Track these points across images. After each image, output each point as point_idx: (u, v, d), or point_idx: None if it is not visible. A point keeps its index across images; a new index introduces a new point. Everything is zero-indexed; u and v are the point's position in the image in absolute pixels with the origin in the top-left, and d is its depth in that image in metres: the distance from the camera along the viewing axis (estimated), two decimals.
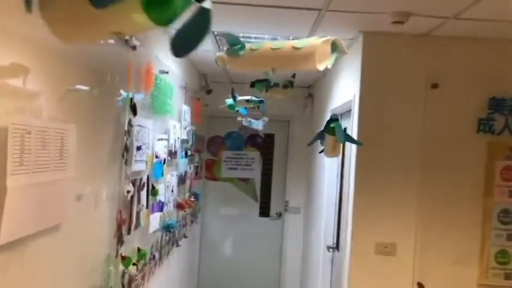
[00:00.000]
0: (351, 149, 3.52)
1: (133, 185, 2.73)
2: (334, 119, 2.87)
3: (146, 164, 2.94)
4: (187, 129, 4.45)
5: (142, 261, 2.96)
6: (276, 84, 3.02)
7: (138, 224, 2.87)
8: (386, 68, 3.34)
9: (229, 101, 3.86)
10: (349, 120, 3.64)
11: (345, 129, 3.75)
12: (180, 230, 4.44)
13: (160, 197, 3.41)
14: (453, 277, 3.29)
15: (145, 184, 3.00)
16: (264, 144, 6.44)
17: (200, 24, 1.07)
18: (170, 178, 3.77)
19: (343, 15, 2.97)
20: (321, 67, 1.81)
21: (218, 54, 2.30)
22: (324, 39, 1.86)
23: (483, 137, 3.29)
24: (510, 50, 3.28)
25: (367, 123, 3.32)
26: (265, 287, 6.43)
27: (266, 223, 6.47)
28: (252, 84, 3.04)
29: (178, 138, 4.00)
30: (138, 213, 2.86)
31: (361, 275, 3.33)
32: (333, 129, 2.82)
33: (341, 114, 4.23)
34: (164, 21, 1.03)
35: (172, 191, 3.88)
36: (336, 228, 4.31)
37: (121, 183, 2.57)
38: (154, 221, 3.30)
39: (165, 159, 3.47)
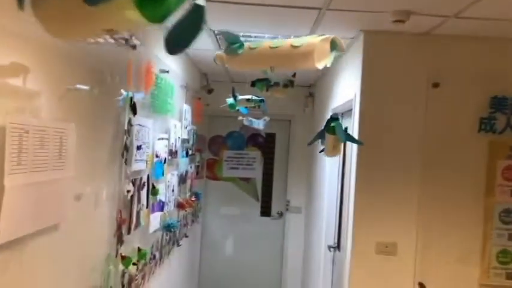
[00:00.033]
0: (352, 149, 3.51)
1: (134, 184, 2.73)
2: (334, 118, 2.86)
3: (146, 163, 2.94)
4: (188, 128, 4.44)
5: (142, 261, 2.95)
6: (277, 84, 3.01)
7: (138, 224, 2.86)
8: (387, 67, 3.33)
9: (230, 100, 3.85)
10: (350, 119, 3.63)
11: (346, 128, 3.74)
12: (181, 229, 4.44)
13: (161, 197, 3.40)
14: (454, 277, 3.28)
15: (146, 184, 3.00)
16: (265, 143, 6.43)
17: (194, 21, 1.06)
18: (171, 178, 3.77)
19: (343, 14, 2.96)
20: (320, 66, 1.80)
21: (217, 52, 2.29)
22: (322, 37, 1.85)
23: (484, 136, 3.28)
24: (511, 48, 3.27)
25: (367, 122, 3.31)
26: (267, 286, 6.43)
27: (267, 223, 6.46)
28: (253, 84, 3.03)
29: (179, 137, 3.99)
30: (138, 213, 2.85)
31: (362, 274, 3.32)
32: (333, 128, 2.81)
33: (342, 114, 4.22)
34: (157, 18, 1.02)
35: (173, 190, 3.87)
36: (336, 228, 4.30)
37: (121, 182, 2.57)
38: (155, 220, 3.30)
39: (165, 159, 3.47)
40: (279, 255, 6.44)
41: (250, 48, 2.08)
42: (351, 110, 3.60)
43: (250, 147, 6.41)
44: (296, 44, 1.86)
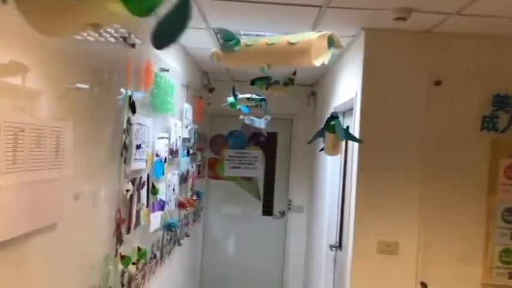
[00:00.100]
0: (353, 148, 3.49)
1: (133, 183, 2.71)
2: (334, 116, 2.83)
3: (146, 162, 2.92)
4: (189, 127, 4.43)
5: (142, 261, 2.94)
6: (277, 82, 2.99)
7: (138, 223, 2.85)
8: (389, 65, 3.30)
9: (231, 99, 3.84)
10: (352, 118, 3.61)
11: (347, 127, 3.73)
12: (182, 229, 4.43)
13: (161, 196, 3.39)
14: (456, 276, 3.26)
15: (146, 183, 2.99)
16: (267, 142, 6.42)
17: (180, 16, 1.04)
18: (171, 177, 3.75)
19: (344, 12, 2.94)
20: (317, 63, 1.78)
21: (213, 50, 2.27)
22: (319, 33, 1.83)
23: (487, 135, 3.25)
24: None
25: (369, 121, 3.29)
26: (269, 285, 6.41)
27: (269, 222, 6.45)
28: (252, 82, 3.01)
29: (179, 136, 3.98)
30: (138, 212, 2.84)
31: (363, 274, 3.30)
32: (333, 127, 2.79)
33: (344, 112, 4.20)
34: (143, 12, 1.00)
35: (173, 189, 3.86)
36: (338, 227, 4.28)
37: (120, 182, 2.55)
38: (155, 220, 3.28)
39: (166, 158, 3.45)
40: (280, 255, 6.42)
41: (247, 45, 2.06)
42: (352, 108, 3.58)
43: (251, 146, 6.39)
44: (293, 41, 1.84)
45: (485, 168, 3.25)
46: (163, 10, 1.04)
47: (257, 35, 3.68)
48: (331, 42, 1.85)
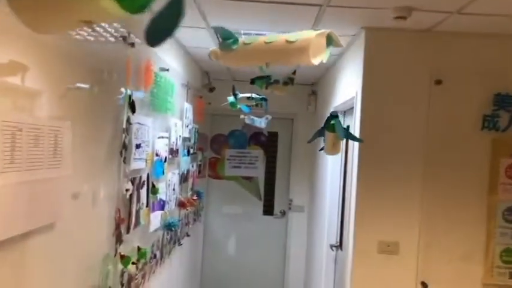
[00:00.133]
0: (354, 147, 3.48)
1: (133, 183, 2.71)
2: (334, 115, 2.83)
3: (146, 162, 2.92)
4: (189, 127, 4.42)
5: (142, 260, 2.94)
6: (276, 81, 2.98)
7: (137, 223, 2.84)
8: (389, 64, 3.29)
9: (231, 98, 3.84)
10: (352, 117, 3.60)
11: (348, 127, 3.72)
12: (182, 228, 4.42)
13: (161, 196, 3.38)
14: (457, 276, 3.25)
15: (146, 182, 2.98)
16: (268, 142, 6.41)
17: (173, 13, 1.03)
18: (171, 176, 3.75)
19: (344, 11, 2.93)
20: (315, 61, 1.77)
21: (211, 48, 2.27)
22: (318, 32, 1.82)
23: (488, 134, 3.24)
24: None
25: (369, 120, 3.28)
26: (269, 285, 6.41)
27: (270, 222, 6.44)
28: (252, 81, 3.01)
29: (180, 136, 3.97)
30: (137, 212, 2.83)
31: (363, 274, 3.30)
32: (332, 126, 2.78)
33: (344, 112, 4.19)
34: (135, 9, 1.00)
35: (174, 189, 3.86)
36: (339, 227, 4.28)
37: (119, 181, 2.55)
38: (155, 219, 3.28)
39: (166, 158, 3.45)
40: (281, 254, 6.42)
41: (245, 44, 2.05)
42: (352, 108, 3.57)
43: (252, 146, 6.39)
44: (291, 39, 1.83)
45: (486, 168, 3.24)
46: (157, 7, 1.03)
47: (257, 35, 3.68)
48: (330, 40, 1.84)
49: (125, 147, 2.54)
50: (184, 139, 4.23)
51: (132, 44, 2.54)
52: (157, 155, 3.20)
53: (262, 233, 6.42)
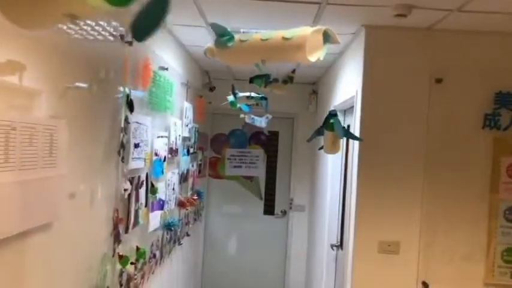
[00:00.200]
0: (354, 146, 3.46)
1: (131, 183, 2.69)
2: (333, 114, 2.81)
3: (145, 161, 2.90)
4: (189, 126, 4.41)
5: (141, 260, 2.92)
6: (276, 80, 2.96)
7: (136, 223, 2.83)
8: (389, 62, 3.27)
9: (231, 97, 3.82)
10: (353, 116, 3.58)
11: (349, 126, 3.70)
12: (182, 228, 4.41)
13: (161, 195, 3.37)
14: (458, 276, 3.23)
15: (144, 182, 2.96)
16: (268, 141, 6.39)
17: (159, 7, 1.02)
18: (171, 176, 3.73)
19: (344, 9, 2.92)
20: (312, 58, 1.75)
21: (207, 45, 2.25)
22: (314, 28, 1.79)
23: (489, 133, 3.22)
24: None
25: (369, 119, 3.26)
26: (270, 285, 6.39)
27: (271, 221, 6.42)
28: (251, 80, 2.99)
29: (179, 135, 3.95)
30: (136, 212, 2.82)
31: (364, 274, 3.28)
32: (331, 124, 2.76)
33: (344, 111, 4.17)
34: (120, 2, 0.98)
35: (173, 189, 3.84)
36: (339, 226, 4.26)
37: (118, 181, 2.53)
38: (155, 219, 3.26)
39: (165, 157, 3.43)
40: (282, 254, 6.40)
41: (241, 41, 2.03)
42: (353, 107, 3.55)
43: (253, 145, 6.37)
44: (287, 36, 1.81)
45: (487, 167, 3.22)
46: (143, 0, 1.02)
47: (256, 33, 3.67)
48: (327, 37, 1.82)
49: (123, 146, 2.52)
50: (184, 138, 4.22)
51: (130, 43, 2.52)
52: (156, 154, 3.19)
53: (262, 233, 6.40)
